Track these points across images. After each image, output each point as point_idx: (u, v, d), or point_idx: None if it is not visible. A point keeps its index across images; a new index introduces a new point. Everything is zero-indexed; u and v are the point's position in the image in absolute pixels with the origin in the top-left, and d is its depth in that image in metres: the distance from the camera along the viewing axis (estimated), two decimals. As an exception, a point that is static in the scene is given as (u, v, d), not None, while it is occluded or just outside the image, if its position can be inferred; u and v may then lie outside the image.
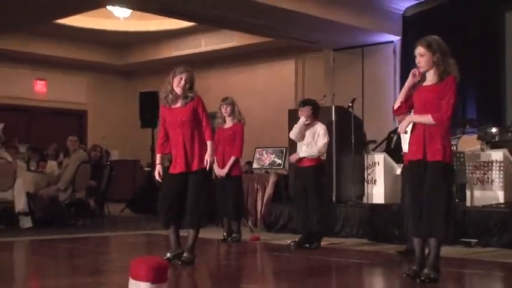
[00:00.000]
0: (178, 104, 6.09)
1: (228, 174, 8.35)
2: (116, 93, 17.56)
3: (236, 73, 16.51)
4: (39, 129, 17.08)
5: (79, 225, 10.63)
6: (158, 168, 6.08)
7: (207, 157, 5.93)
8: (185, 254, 6.12)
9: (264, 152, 10.52)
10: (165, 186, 6.09)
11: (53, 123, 17.42)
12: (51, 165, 11.45)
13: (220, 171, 8.34)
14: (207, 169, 5.98)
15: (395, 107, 5.25)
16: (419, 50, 5.10)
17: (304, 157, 7.76)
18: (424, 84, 5.17)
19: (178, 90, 6.05)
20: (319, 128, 7.76)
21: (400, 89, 5.43)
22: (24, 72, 17.10)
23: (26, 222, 9.87)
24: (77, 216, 10.93)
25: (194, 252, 6.13)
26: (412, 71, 5.18)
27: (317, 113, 7.89)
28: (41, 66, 17.17)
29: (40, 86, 17.60)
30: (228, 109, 8.32)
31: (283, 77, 15.65)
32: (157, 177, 6.11)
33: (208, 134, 6.03)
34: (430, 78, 5.15)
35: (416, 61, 5.12)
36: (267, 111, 15.03)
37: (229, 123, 8.41)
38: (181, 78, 6.04)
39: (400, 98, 5.24)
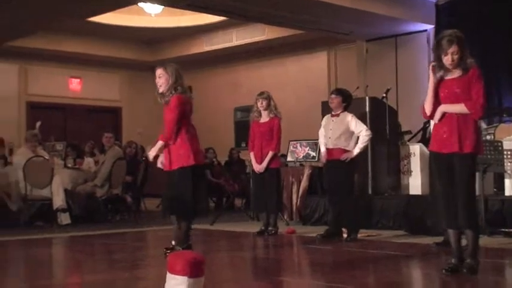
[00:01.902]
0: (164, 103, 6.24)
1: (266, 167, 8.32)
2: (149, 89, 16.87)
3: (267, 66, 16.50)
4: (75, 126, 17.23)
5: (116, 221, 10.69)
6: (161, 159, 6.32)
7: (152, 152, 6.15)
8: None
9: (298, 145, 10.48)
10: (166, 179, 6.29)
11: (87, 120, 17.60)
12: (88, 162, 11.53)
13: (258, 167, 8.32)
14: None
15: (428, 113, 5.16)
16: (454, 49, 4.99)
17: (332, 149, 7.76)
18: (449, 77, 5.11)
19: (158, 87, 6.21)
20: (349, 118, 7.75)
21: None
22: (59, 71, 17.25)
23: (65, 219, 9.96)
24: (114, 211, 11.00)
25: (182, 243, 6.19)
26: (431, 66, 5.11)
27: (348, 104, 7.85)
28: (75, 65, 17.29)
29: (75, 84, 17.73)
30: (264, 103, 8.29)
31: (315, 69, 15.59)
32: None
33: (162, 135, 6.12)
34: (455, 71, 5.08)
35: (448, 60, 5.02)
36: (299, 104, 14.98)
37: (265, 117, 8.36)
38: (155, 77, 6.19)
39: (430, 102, 5.14)
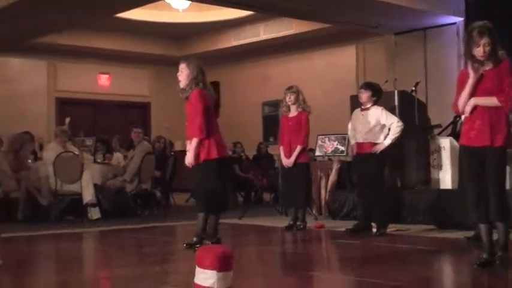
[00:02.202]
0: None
1: (295, 162, 8.32)
2: (177, 84, 17.43)
3: (295, 61, 16.40)
4: (104, 122, 17.27)
5: (145, 216, 10.69)
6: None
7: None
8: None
9: (326, 139, 10.43)
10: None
11: (116, 115, 17.61)
12: (117, 157, 11.63)
13: (286, 161, 8.31)
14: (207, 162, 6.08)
15: (461, 109, 5.10)
16: (485, 40, 4.94)
17: (362, 143, 7.74)
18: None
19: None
20: (380, 111, 7.71)
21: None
22: (88, 67, 17.30)
23: (95, 213, 10.00)
24: (143, 206, 11.02)
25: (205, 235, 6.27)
26: (475, 68, 5.01)
27: (378, 98, 7.82)
28: (104, 60, 17.34)
29: (104, 80, 17.78)
30: (292, 98, 8.27)
31: (343, 63, 15.48)
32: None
33: (191, 131, 6.11)
34: (487, 63, 5.03)
35: (480, 51, 4.96)
36: (327, 98, 14.86)
37: (293, 111, 8.35)
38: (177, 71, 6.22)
39: (466, 100, 5.05)
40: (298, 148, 8.26)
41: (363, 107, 7.85)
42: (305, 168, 8.44)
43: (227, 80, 17.13)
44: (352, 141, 7.99)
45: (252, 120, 16.43)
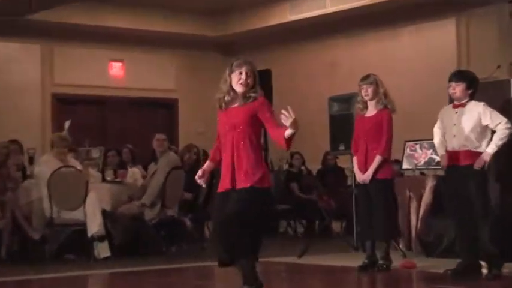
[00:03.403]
0: (236, 105, 6.38)
1: (373, 177, 8.36)
2: (213, 74, 15.94)
3: (372, 40, 16.10)
4: (116, 126, 17.25)
5: (172, 252, 10.70)
6: (204, 167, 6.51)
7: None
8: None
9: (417, 146, 10.39)
10: (215, 206, 6.45)
11: (133, 117, 17.52)
12: (133, 173, 11.66)
13: (361, 177, 8.37)
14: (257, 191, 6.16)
15: None
16: None
17: (458, 151, 7.73)
18: None
19: (239, 88, 6.36)
20: (481, 108, 7.67)
21: None
22: (95, 52, 17.16)
23: (103, 250, 10.00)
24: (168, 239, 10.98)
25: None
26: None
27: (475, 90, 7.84)
28: (116, 44, 17.18)
29: (116, 69, 17.62)
30: (369, 91, 8.36)
31: (439, 44, 15.12)
32: (197, 178, 6.48)
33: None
34: None
35: None
36: (417, 92, 14.73)
37: (371, 109, 8.43)
38: (241, 73, 6.32)
39: None
40: (378, 159, 8.29)
41: (456, 102, 7.86)
42: (388, 186, 8.44)
43: (281, 68, 16.84)
44: (441, 150, 7.99)
45: (316, 122, 15.20)
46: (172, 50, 18.06)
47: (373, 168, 8.28)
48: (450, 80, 7.90)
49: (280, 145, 6.09)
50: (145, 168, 11.86)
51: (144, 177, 11.44)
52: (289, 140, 5.95)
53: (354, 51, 16.24)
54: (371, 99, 8.36)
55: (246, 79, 6.29)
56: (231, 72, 6.35)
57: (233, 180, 6.13)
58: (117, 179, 11.22)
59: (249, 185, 6.08)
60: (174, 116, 18.38)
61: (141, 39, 17.21)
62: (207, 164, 6.49)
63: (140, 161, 12.64)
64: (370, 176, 8.32)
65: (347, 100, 10.68)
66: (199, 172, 6.41)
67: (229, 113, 6.34)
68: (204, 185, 6.58)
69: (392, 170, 8.66)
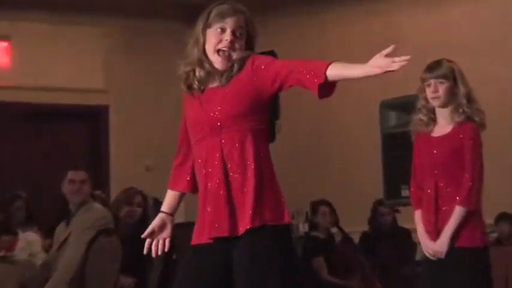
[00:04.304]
0: (215, 84, 4.98)
1: (451, 247, 6.76)
2: (172, 59, 13.54)
3: (448, 7, 13.17)
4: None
5: None
6: (154, 224, 5.12)
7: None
8: None
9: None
10: (181, 274, 5.22)
11: (27, 139, 13.24)
12: (28, 241, 10.27)
13: (431, 246, 6.87)
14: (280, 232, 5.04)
15: None
16: None
17: None
18: None
19: (216, 58, 4.98)
20: None
21: None
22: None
23: None
24: None
25: None
26: None
27: None
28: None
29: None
30: (441, 90, 6.84)
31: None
32: (146, 245, 5.19)
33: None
34: None
35: None
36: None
37: (443, 123, 7.01)
38: (223, 29, 4.98)
39: None
40: (459, 211, 6.89)
41: None
42: (477, 260, 7.04)
43: (290, 48, 12.67)
44: None
45: (355, 144, 13.20)
46: (99, 19, 13.88)
47: (451, 231, 6.80)
48: None
49: (310, 88, 4.67)
50: (50, 231, 10.02)
51: (47, 247, 10.02)
52: (329, 86, 4.59)
53: (418, 24, 13.30)
54: (443, 106, 6.87)
55: (232, 41, 4.96)
56: (207, 25, 4.96)
57: (229, 222, 4.95)
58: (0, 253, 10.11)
59: (258, 224, 4.90)
60: (101, 136, 13.88)
61: (48, 4, 13.66)
62: (165, 206, 5.19)
63: (40, 220, 11.21)
64: (446, 245, 6.78)
65: (409, 105, 8.13)
66: (149, 229, 5.16)
67: (207, 99, 5.05)
68: (156, 255, 5.36)
69: (484, 233, 7.10)
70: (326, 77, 4.53)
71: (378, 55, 4.51)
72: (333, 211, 11.31)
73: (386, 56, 4.44)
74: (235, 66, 4.98)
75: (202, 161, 4.96)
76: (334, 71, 4.56)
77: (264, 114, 4.95)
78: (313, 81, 4.61)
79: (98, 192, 10.04)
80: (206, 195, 4.94)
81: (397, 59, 4.47)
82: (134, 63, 13.95)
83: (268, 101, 4.94)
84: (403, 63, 4.47)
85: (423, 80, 6.83)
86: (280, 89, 4.87)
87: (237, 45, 4.91)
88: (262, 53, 5.38)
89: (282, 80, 4.80)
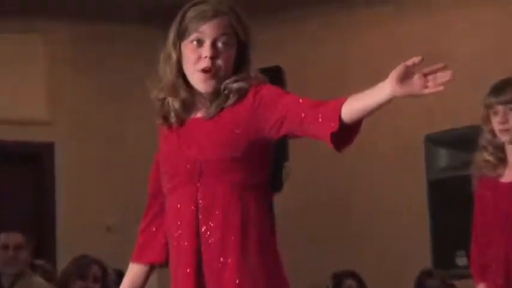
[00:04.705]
0: (200, 113, 4.30)
1: None
2: (139, 77, 12.31)
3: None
4: None
5: None
6: None
7: None
8: None
9: None
10: None
11: None
12: None
13: None
14: None
15: None
16: None
17: None
18: None
19: (197, 79, 4.23)
20: None
21: None
22: None
23: None
24: None
25: None
26: None
27: None
28: None
29: None
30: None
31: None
32: None
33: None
34: None
35: None
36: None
37: None
38: (200, 41, 4.21)
39: None
40: None
41: None
42: None
43: (302, 67, 11.77)
44: None
45: (395, 194, 11.46)
46: (46, 23, 12.44)
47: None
48: None
49: (323, 139, 3.97)
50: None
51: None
52: (350, 133, 3.78)
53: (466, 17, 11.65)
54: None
55: (214, 56, 4.17)
56: (179, 35, 4.18)
57: None
58: None
59: None
60: (45, 183, 12.11)
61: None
62: (126, 284, 4.31)
63: None
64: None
65: (468, 142, 7.40)
66: None
67: (188, 133, 4.36)
68: None
69: None
70: (341, 119, 3.76)
71: (399, 67, 3.66)
72: (362, 285, 10.15)
73: (411, 68, 3.53)
74: (231, 98, 4.27)
75: (176, 216, 4.22)
76: (347, 108, 3.76)
77: (261, 162, 4.22)
78: (325, 130, 3.88)
79: (39, 261, 9.32)
80: (175, 267, 4.15)
81: (431, 77, 3.62)
82: (85, 83, 12.32)
83: (269, 146, 4.20)
84: (439, 87, 3.57)
85: (488, 107, 6.10)
86: (286, 137, 4.25)
87: (219, 62, 4.17)
88: (264, 71, 4.53)
89: (290, 129, 4.05)
